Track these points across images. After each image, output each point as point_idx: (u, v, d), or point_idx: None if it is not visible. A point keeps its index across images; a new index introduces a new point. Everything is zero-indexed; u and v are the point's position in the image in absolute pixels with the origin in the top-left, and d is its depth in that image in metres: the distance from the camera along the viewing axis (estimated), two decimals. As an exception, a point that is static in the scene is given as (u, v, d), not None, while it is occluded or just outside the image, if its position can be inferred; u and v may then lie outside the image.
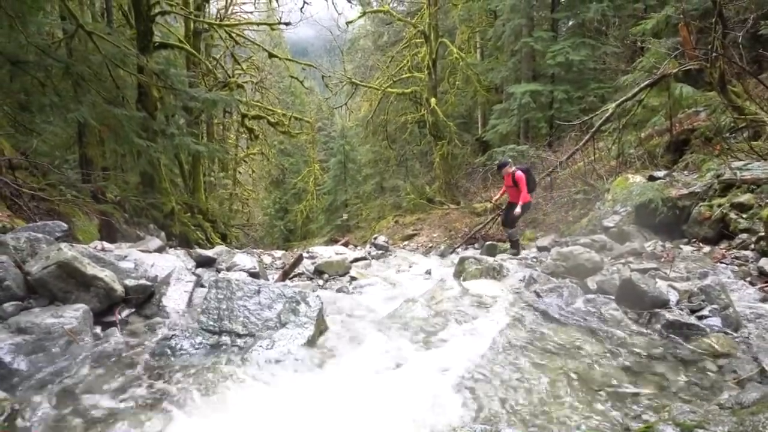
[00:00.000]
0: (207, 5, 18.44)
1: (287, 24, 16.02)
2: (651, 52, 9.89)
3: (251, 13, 22.90)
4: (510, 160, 7.58)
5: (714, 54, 7.28)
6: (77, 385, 2.49)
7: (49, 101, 7.49)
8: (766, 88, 7.16)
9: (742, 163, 6.75)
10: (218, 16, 20.16)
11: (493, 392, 2.50)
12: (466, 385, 2.58)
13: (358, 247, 13.14)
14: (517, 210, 7.12)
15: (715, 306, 3.52)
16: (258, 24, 19.77)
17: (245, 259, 6.20)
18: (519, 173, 7.03)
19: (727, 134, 8.00)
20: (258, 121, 19.68)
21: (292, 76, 19.55)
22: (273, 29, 19.59)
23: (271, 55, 17.72)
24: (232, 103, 14.78)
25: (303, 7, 15.55)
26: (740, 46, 7.10)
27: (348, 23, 19.51)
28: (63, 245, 3.50)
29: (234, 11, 21.91)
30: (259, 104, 20.72)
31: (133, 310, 3.64)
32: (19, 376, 2.52)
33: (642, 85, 8.65)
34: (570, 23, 17.96)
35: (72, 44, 8.76)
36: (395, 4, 26.08)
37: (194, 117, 15.92)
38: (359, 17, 21.05)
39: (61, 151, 10.87)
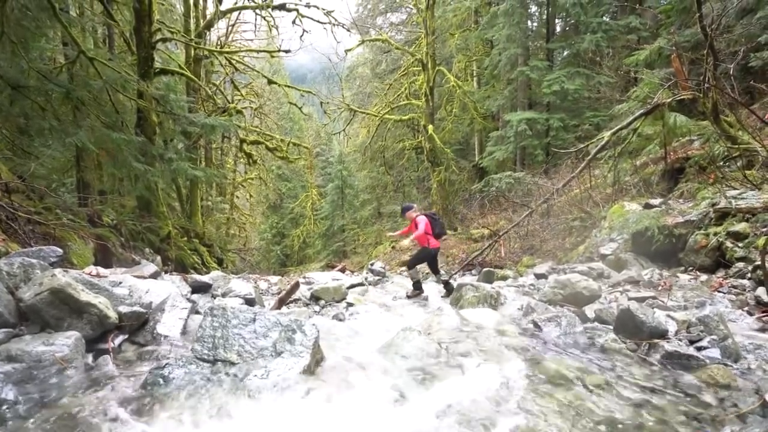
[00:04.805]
0: (208, 32, 18.73)
1: (287, 51, 16.24)
2: (645, 82, 10.06)
3: (251, 40, 23.29)
4: (414, 205, 7.56)
5: (706, 85, 7.40)
6: (66, 416, 2.43)
7: (48, 125, 7.51)
8: (758, 118, 7.25)
9: (737, 191, 6.80)
10: (219, 43, 20.47)
11: (491, 426, 2.46)
12: (463, 417, 2.53)
13: (355, 273, 13.05)
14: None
15: (713, 337, 3.49)
16: (258, 51, 20.05)
17: (241, 285, 6.16)
18: (420, 217, 7.01)
19: (721, 163, 8.07)
20: (256, 146, 19.80)
21: (291, 103, 19.76)
22: (273, 56, 19.88)
23: (270, 82, 17.94)
24: (230, 129, 14.88)
25: (302, 35, 15.80)
26: (732, 77, 7.22)
27: (347, 51, 19.80)
28: (57, 271, 3.47)
29: (234, 38, 22.27)
30: (257, 129, 20.88)
31: (126, 337, 3.59)
32: (7, 405, 2.47)
33: (637, 114, 8.75)
34: (565, 53, 18.31)
35: (73, 69, 8.84)
36: (393, 33, 26.61)
37: (193, 142, 16.00)
38: (358, 45, 21.42)
39: (58, 175, 10.88)
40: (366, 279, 9.37)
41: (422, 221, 6.92)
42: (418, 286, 7.19)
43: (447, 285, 7.25)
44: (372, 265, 11.47)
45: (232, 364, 2.97)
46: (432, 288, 7.80)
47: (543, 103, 18.12)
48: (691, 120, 9.06)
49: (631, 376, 3.09)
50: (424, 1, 20.33)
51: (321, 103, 19.44)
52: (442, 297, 7.12)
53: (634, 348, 3.61)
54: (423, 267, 7.72)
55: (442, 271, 7.51)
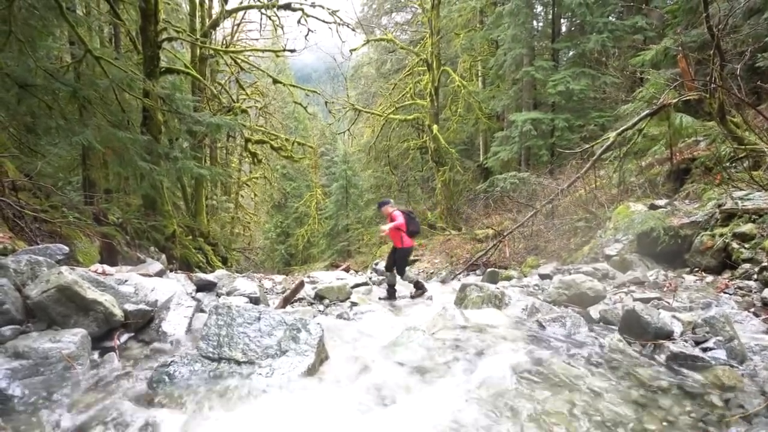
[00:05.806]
0: (213, 32, 18.77)
1: (292, 51, 16.26)
2: (650, 82, 10.01)
3: (256, 40, 23.32)
4: (391, 200, 7.32)
5: (713, 85, 7.36)
6: (72, 412, 2.44)
7: (55, 124, 7.56)
8: (765, 118, 7.20)
9: (743, 192, 6.76)
10: (224, 42, 20.49)
11: (495, 425, 2.45)
12: (467, 420, 2.53)
13: (359, 273, 13.07)
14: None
15: (719, 338, 3.48)
16: (263, 51, 20.08)
17: (246, 284, 6.17)
18: (396, 213, 6.82)
19: (728, 164, 8.03)
20: (261, 145, 19.82)
21: (295, 102, 19.75)
22: (278, 56, 19.90)
23: (275, 81, 17.94)
24: (235, 128, 14.91)
25: (307, 34, 15.79)
26: (738, 77, 7.17)
27: (352, 51, 19.79)
28: (63, 269, 3.49)
29: (240, 38, 22.30)
30: (262, 129, 20.89)
31: (132, 335, 3.62)
32: (14, 401, 2.49)
33: (642, 114, 8.71)
34: (570, 53, 18.26)
35: (80, 68, 8.88)
36: (398, 33, 26.58)
37: (198, 141, 16.05)
38: (363, 45, 21.38)
39: (64, 173, 10.94)
40: (370, 279, 9.39)
41: (399, 216, 6.78)
42: (420, 286, 7.17)
43: (391, 289, 7.09)
44: (376, 264, 11.51)
45: (237, 362, 2.98)
46: (436, 287, 7.80)
47: (548, 103, 18.07)
48: (698, 120, 9.01)
49: (636, 377, 3.07)
50: (429, 0, 20.31)
51: (326, 102, 19.43)
52: (380, 298, 7.02)
53: (639, 349, 3.60)
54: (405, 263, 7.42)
55: (408, 274, 7.25)
